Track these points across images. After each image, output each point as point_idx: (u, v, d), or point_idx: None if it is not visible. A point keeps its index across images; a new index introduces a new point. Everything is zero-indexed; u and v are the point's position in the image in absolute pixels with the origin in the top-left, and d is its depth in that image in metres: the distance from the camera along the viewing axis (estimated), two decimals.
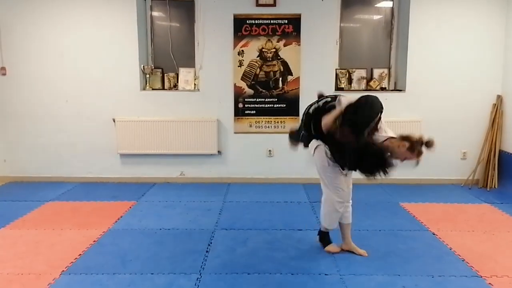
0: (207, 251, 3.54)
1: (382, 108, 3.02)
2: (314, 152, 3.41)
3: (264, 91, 5.61)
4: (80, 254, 3.47)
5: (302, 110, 5.55)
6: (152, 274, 3.14)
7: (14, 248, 3.60)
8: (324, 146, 3.29)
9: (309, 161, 5.70)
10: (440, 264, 3.31)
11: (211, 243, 3.72)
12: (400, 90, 5.67)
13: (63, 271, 3.18)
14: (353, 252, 3.49)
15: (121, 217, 4.37)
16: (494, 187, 5.42)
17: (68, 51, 5.56)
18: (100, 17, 5.51)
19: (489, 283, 3.01)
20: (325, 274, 3.13)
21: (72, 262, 3.33)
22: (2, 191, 5.41)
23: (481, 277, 3.10)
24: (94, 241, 3.75)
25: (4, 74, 5.62)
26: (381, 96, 5.65)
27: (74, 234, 3.93)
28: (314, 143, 3.40)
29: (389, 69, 5.85)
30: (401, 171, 5.66)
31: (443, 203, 4.89)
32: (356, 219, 4.29)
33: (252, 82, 5.61)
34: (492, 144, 5.50)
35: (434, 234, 3.94)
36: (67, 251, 3.52)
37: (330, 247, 3.55)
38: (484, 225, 4.18)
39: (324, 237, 3.61)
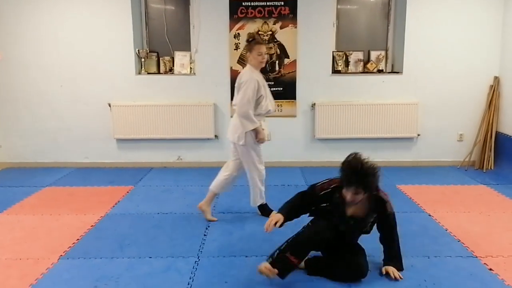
0: (204, 235, 3.56)
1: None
2: (242, 137, 3.66)
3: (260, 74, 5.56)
4: (78, 239, 3.48)
5: (299, 93, 5.61)
6: (150, 258, 3.15)
7: (12, 234, 3.60)
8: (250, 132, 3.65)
9: (306, 145, 5.72)
10: (436, 245, 3.34)
11: (208, 226, 3.74)
12: (397, 73, 5.64)
13: (61, 255, 3.19)
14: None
15: (119, 202, 4.38)
16: (490, 168, 5.45)
17: (62, 35, 5.50)
18: (94, 1, 5.42)
19: (484, 263, 3.04)
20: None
21: (70, 247, 3.34)
22: None
23: (476, 257, 3.13)
24: (92, 226, 3.76)
25: None
26: (378, 79, 5.71)
27: (72, 219, 3.93)
28: (238, 128, 3.65)
29: (386, 51, 5.81)
30: (398, 153, 5.72)
31: (440, 185, 4.91)
32: None
33: None
34: (489, 126, 5.50)
35: (430, 215, 3.96)
36: (65, 236, 3.53)
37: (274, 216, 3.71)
38: (479, 206, 4.21)
39: (265, 209, 3.93)
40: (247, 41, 3.69)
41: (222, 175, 3.90)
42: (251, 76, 3.60)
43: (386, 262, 2.92)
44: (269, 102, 3.74)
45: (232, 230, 3.66)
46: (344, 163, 2.72)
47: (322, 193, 2.78)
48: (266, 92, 3.74)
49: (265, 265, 2.69)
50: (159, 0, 5.78)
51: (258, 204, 3.96)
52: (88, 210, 4.15)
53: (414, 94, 5.58)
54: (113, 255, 3.19)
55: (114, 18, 5.46)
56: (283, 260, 2.68)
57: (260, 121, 3.72)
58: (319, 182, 2.84)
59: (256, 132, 3.67)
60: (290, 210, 2.85)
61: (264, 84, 3.72)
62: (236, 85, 3.76)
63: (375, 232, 3.43)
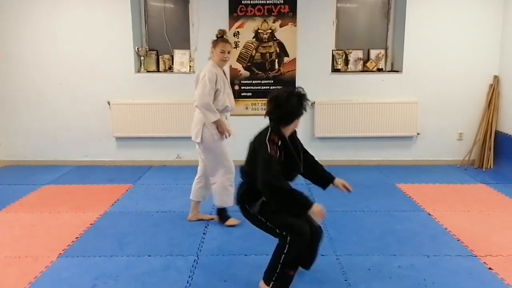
0: (204, 233, 3.55)
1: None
2: (199, 134, 3.61)
3: (260, 73, 5.57)
4: (77, 237, 3.48)
5: None
6: (149, 256, 3.15)
7: (11, 232, 3.60)
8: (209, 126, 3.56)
9: (306, 144, 5.71)
10: (436, 244, 3.34)
11: (207, 225, 3.74)
12: (397, 71, 5.63)
13: (60, 254, 3.19)
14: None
15: (118, 200, 4.37)
16: (490, 167, 5.44)
17: (61, 34, 5.48)
18: None
19: (484, 262, 3.04)
20: (322, 255, 3.14)
21: (69, 245, 3.34)
22: None
23: (476, 256, 3.13)
24: (91, 224, 3.75)
25: None
26: (378, 77, 5.70)
27: (71, 217, 3.93)
28: (196, 125, 3.64)
29: (386, 50, 5.80)
30: (398, 152, 5.72)
31: (439, 183, 4.91)
32: (352, 201, 4.33)
33: (248, 64, 5.56)
34: (489, 125, 5.50)
35: (429, 214, 3.96)
36: (64, 234, 3.53)
37: (231, 221, 3.70)
38: (479, 205, 4.21)
39: (223, 214, 3.75)
40: (216, 36, 3.63)
41: (194, 181, 3.85)
42: (210, 70, 3.54)
43: (330, 178, 2.85)
44: (226, 97, 3.65)
45: (231, 229, 3.66)
46: (297, 100, 2.52)
47: (277, 155, 2.49)
48: (225, 88, 3.66)
49: None
50: None
51: (228, 205, 3.67)
52: (87, 208, 4.14)
53: (413, 93, 5.58)
54: (112, 253, 3.18)
55: (113, 16, 5.44)
56: (285, 277, 2.57)
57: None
58: (266, 152, 2.44)
59: (217, 124, 3.55)
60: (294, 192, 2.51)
61: (224, 80, 3.65)
62: (195, 78, 3.66)
63: (374, 232, 3.45)
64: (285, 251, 2.52)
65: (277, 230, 2.55)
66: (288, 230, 2.51)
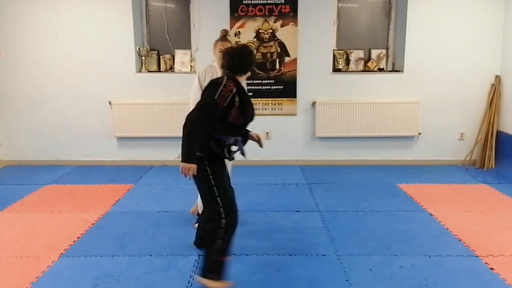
0: None
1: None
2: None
3: (261, 72, 5.57)
4: (78, 237, 3.48)
5: (299, 92, 5.61)
6: (150, 256, 3.15)
7: (13, 232, 3.60)
8: None
9: (307, 144, 5.71)
10: (437, 244, 3.34)
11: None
12: (398, 71, 5.63)
13: (61, 253, 3.19)
14: None
15: (119, 200, 4.38)
16: (491, 167, 5.44)
17: (62, 33, 5.48)
18: None
19: (485, 263, 3.03)
20: (323, 255, 3.15)
21: (70, 244, 3.34)
22: None
23: (478, 256, 3.13)
24: (92, 224, 3.75)
25: None
26: (379, 77, 5.70)
27: (72, 217, 3.93)
28: None
29: (387, 49, 5.80)
30: (399, 152, 5.71)
31: (440, 183, 4.91)
32: (353, 201, 4.34)
33: None
34: (490, 125, 5.49)
35: (431, 214, 3.96)
36: (65, 234, 3.53)
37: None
38: (480, 205, 4.20)
39: None
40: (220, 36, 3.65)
41: None
42: (203, 68, 3.62)
43: (246, 131, 2.89)
44: None
45: None
46: (251, 54, 2.75)
47: (225, 103, 2.54)
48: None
49: (214, 284, 2.61)
50: None
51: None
52: (89, 208, 4.14)
53: (415, 92, 5.57)
54: (114, 253, 3.19)
55: (114, 16, 5.45)
56: (220, 265, 2.63)
57: None
58: (214, 94, 2.51)
59: None
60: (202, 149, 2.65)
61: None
62: None
63: (376, 232, 3.45)
64: (218, 237, 2.59)
65: (219, 202, 2.63)
66: (222, 205, 2.62)
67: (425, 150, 5.72)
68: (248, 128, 2.86)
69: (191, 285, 2.75)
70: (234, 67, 2.71)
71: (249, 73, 2.81)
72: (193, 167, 2.59)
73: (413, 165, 5.69)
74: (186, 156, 2.59)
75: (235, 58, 2.71)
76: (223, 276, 2.63)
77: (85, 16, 5.44)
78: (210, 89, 2.59)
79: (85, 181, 5.04)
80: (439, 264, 3.01)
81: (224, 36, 3.62)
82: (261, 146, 2.93)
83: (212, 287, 2.60)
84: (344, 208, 4.12)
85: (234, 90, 2.58)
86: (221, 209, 2.61)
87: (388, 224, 3.74)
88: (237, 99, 2.59)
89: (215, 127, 2.61)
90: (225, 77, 2.64)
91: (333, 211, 4.05)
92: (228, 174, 2.91)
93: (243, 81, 2.81)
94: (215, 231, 2.61)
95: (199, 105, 2.57)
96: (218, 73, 3.54)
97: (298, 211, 4.06)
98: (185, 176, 2.61)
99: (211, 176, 2.67)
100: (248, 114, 2.72)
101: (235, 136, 2.73)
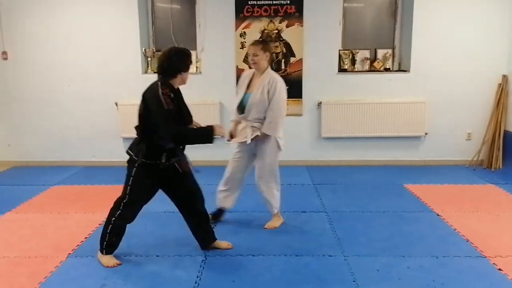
0: None
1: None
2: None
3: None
4: (86, 237, 3.50)
5: (305, 92, 5.60)
6: (157, 256, 3.17)
7: (21, 232, 3.63)
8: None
9: (312, 144, 5.70)
10: (445, 245, 3.32)
11: (215, 225, 3.74)
12: (405, 71, 5.61)
13: (69, 254, 3.21)
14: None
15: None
16: (499, 167, 5.40)
17: (69, 35, 5.52)
18: (101, 0, 5.45)
19: (493, 263, 3.01)
20: (329, 256, 3.15)
21: (78, 245, 3.36)
22: (7, 176, 5.44)
23: (485, 257, 3.11)
24: (100, 224, 3.76)
25: (5, 59, 5.59)
26: (385, 77, 5.68)
27: (80, 217, 3.95)
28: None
29: (393, 49, 5.78)
30: (406, 152, 5.69)
31: (448, 184, 4.89)
32: (360, 201, 4.33)
33: None
34: (497, 125, 5.46)
35: (438, 215, 3.94)
36: (73, 234, 3.55)
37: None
38: (488, 205, 4.18)
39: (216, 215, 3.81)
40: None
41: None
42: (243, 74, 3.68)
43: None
44: (236, 102, 3.61)
45: (238, 229, 3.67)
46: (177, 56, 2.86)
47: (172, 106, 2.76)
48: (240, 90, 3.61)
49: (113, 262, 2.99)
50: None
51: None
52: (96, 208, 4.16)
53: (421, 92, 5.55)
54: (121, 253, 3.19)
55: (121, 18, 5.48)
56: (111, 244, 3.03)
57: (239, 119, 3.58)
58: (161, 105, 2.72)
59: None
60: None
61: (244, 82, 3.57)
62: None
63: (383, 232, 3.43)
64: (116, 215, 2.96)
65: (126, 189, 2.98)
66: (129, 194, 2.97)
67: (432, 150, 5.69)
68: None
69: (198, 285, 2.76)
70: (163, 71, 2.83)
71: (183, 76, 2.87)
72: (217, 125, 2.83)
73: (420, 165, 5.67)
74: (208, 132, 2.80)
75: (163, 61, 2.81)
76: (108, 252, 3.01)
77: (92, 18, 5.48)
78: (155, 105, 2.73)
79: (92, 182, 5.07)
80: (447, 265, 2.99)
81: (257, 40, 3.60)
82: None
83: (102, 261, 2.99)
84: (350, 209, 4.11)
85: (172, 95, 2.76)
86: (123, 203, 2.98)
87: (395, 224, 3.73)
88: (174, 104, 2.76)
89: (152, 133, 2.78)
90: (154, 84, 2.83)
91: (339, 212, 4.04)
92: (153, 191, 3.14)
93: (181, 83, 2.92)
94: (112, 214, 2.99)
95: (164, 124, 2.72)
96: (249, 77, 3.56)
97: (305, 212, 4.05)
98: (229, 139, 3.11)
99: (131, 177, 2.96)
100: (185, 117, 2.87)
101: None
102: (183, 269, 2.97)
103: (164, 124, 2.72)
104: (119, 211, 2.97)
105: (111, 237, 2.99)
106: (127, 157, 3.06)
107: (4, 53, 5.57)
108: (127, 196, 2.97)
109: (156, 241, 3.43)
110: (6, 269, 2.98)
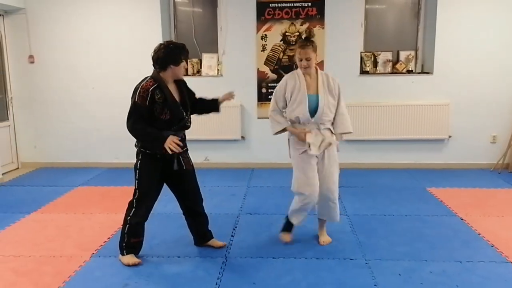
0: (232, 236, 3.57)
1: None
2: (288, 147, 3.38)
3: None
4: (109, 238, 3.56)
5: None
6: (178, 257, 3.20)
7: (46, 232, 3.71)
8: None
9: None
10: (469, 249, 3.26)
11: (235, 227, 3.76)
12: (428, 73, 5.53)
13: (93, 253, 3.27)
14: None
15: None
16: None
17: (93, 39, 5.64)
18: (124, 4, 5.55)
19: None
20: (351, 259, 3.12)
21: (101, 245, 3.42)
22: (33, 177, 5.58)
23: (511, 263, 3.04)
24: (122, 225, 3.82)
25: (32, 62, 5.75)
26: (408, 79, 5.60)
27: (103, 218, 4.03)
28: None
29: (416, 51, 5.71)
30: (429, 155, 5.60)
31: (472, 188, 4.79)
32: (381, 204, 4.29)
33: (276, 67, 5.57)
34: None
35: (462, 219, 3.87)
36: (96, 235, 3.62)
37: (285, 237, 3.42)
38: None
39: (286, 227, 3.46)
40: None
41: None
42: (284, 78, 3.34)
43: (214, 100, 3.34)
44: (296, 107, 3.22)
45: (259, 231, 3.67)
46: (166, 49, 2.92)
47: (147, 102, 2.85)
48: (298, 96, 3.20)
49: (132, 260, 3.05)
50: (187, 3, 5.86)
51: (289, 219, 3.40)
52: (119, 209, 4.22)
53: (445, 94, 5.46)
54: (143, 253, 3.23)
55: (143, 21, 5.56)
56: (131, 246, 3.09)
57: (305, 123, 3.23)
58: (134, 98, 2.89)
59: (292, 133, 3.27)
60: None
61: (297, 87, 3.21)
62: None
63: (405, 236, 3.38)
64: (131, 214, 3.04)
65: (135, 184, 3.05)
66: (138, 188, 3.04)
67: (456, 154, 5.59)
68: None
69: (218, 286, 2.77)
70: (154, 63, 2.95)
71: (174, 70, 2.94)
72: (169, 139, 2.85)
73: (443, 168, 5.58)
74: (159, 138, 2.86)
75: (153, 54, 2.94)
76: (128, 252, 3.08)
77: (115, 23, 5.59)
78: (132, 94, 2.90)
79: (115, 183, 5.15)
80: (471, 270, 2.93)
81: (303, 40, 3.28)
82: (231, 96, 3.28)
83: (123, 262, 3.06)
84: (372, 212, 4.07)
85: (152, 87, 2.85)
86: (135, 200, 3.04)
87: (417, 228, 3.67)
88: (158, 96, 2.85)
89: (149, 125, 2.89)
90: (146, 77, 2.94)
91: (360, 215, 4.01)
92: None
93: (174, 76, 2.99)
94: (127, 213, 3.06)
95: (128, 114, 2.88)
96: (301, 79, 3.23)
97: None
98: (175, 148, 2.89)
99: (137, 170, 3.04)
100: (173, 109, 2.92)
101: (170, 132, 2.93)
102: (204, 270, 2.99)
103: (129, 116, 2.89)
104: (133, 209, 3.05)
105: (129, 237, 3.06)
106: None
107: (31, 56, 5.72)
108: (137, 191, 3.05)
109: (177, 242, 3.46)
110: (32, 268, 3.06)
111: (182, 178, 3.16)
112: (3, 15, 5.66)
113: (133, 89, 2.93)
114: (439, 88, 5.46)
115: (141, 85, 2.90)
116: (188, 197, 3.24)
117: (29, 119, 5.92)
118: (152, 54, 2.95)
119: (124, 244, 3.08)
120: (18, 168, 5.98)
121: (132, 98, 2.91)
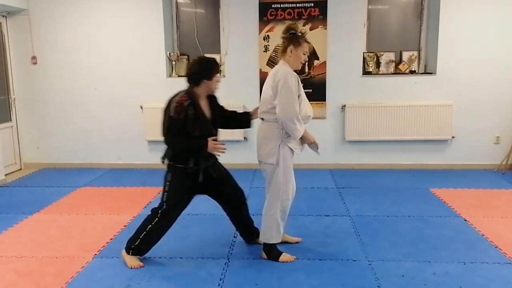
0: (234, 236, 3.57)
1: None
2: (274, 153, 3.04)
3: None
4: (111, 238, 3.56)
5: (328, 95, 5.57)
6: (181, 258, 3.19)
7: (48, 232, 3.71)
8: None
9: (336, 148, 5.66)
10: (472, 250, 3.24)
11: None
12: (431, 73, 5.52)
13: (95, 254, 3.27)
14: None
15: (150, 202, 4.44)
16: None
17: (94, 39, 5.65)
18: (126, 5, 5.56)
19: None
20: (353, 260, 3.11)
21: (104, 246, 3.42)
22: (35, 177, 5.59)
23: None
24: (125, 225, 3.83)
25: (35, 63, 5.76)
26: (411, 80, 5.59)
27: (105, 218, 4.02)
28: (270, 141, 3.04)
29: (419, 51, 5.69)
30: (432, 156, 5.58)
31: (475, 188, 4.77)
32: (384, 205, 4.27)
33: None
34: None
35: (465, 220, 3.85)
36: (99, 235, 3.62)
37: (284, 257, 3.13)
38: None
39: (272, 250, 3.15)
40: (290, 32, 3.07)
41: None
42: (291, 73, 2.91)
43: (246, 114, 3.35)
44: (307, 105, 3.03)
45: None
46: (199, 64, 2.96)
47: (177, 116, 2.84)
48: (304, 96, 3.03)
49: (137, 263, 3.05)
50: (189, 3, 5.86)
51: (272, 241, 3.10)
52: (121, 210, 4.23)
53: (448, 95, 5.44)
54: (145, 254, 3.23)
55: (145, 22, 5.57)
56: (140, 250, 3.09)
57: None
58: (169, 112, 2.85)
59: (303, 137, 3.04)
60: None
61: (300, 85, 3.00)
62: (272, 84, 2.95)
63: (407, 237, 3.36)
64: (152, 223, 3.02)
65: (163, 196, 3.02)
66: (166, 201, 3.00)
67: (459, 154, 5.57)
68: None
69: (220, 287, 2.77)
70: (187, 78, 2.97)
71: (208, 84, 2.93)
72: (210, 144, 2.92)
73: (447, 169, 5.55)
74: (201, 145, 2.91)
75: (187, 69, 3.00)
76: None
77: (117, 23, 5.59)
78: (165, 108, 2.89)
79: (118, 184, 5.15)
80: (475, 272, 2.92)
81: (303, 34, 3.11)
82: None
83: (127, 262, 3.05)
84: (374, 213, 4.06)
85: (186, 103, 2.84)
86: (160, 211, 3.01)
87: (420, 229, 3.66)
88: (191, 112, 2.85)
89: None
90: (180, 91, 2.93)
91: (363, 216, 4.00)
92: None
93: (208, 91, 2.99)
94: (149, 220, 3.04)
95: (166, 129, 2.87)
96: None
97: (328, 215, 4.02)
98: (222, 152, 3.02)
99: (167, 183, 3.01)
100: (204, 126, 2.94)
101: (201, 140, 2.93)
102: (206, 271, 2.98)
103: (165, 131, 2.88)
104: (157, 218, 3.02)
105: (141, 243, 3.04)
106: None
107: (34, 57, 5.74)
108: (164, 204, 3.02)
109: (179, 243, 3.46)
110: (34, 269, 3.06)
111: (220, 185, 3.20)
112: (5, 16, 5.67)
113: (166, 103, 2.91)
114: (442, 89, 5.45)
115: (175, 99, 2.88)
116: (232, 202, 3.30)
117: (32, 120, 5.93)
118: (187, 69, 3.02)
119: (134, 245, 3.05)
120: (20, 169, 5.99)
121: (165, 112, 2.88)
